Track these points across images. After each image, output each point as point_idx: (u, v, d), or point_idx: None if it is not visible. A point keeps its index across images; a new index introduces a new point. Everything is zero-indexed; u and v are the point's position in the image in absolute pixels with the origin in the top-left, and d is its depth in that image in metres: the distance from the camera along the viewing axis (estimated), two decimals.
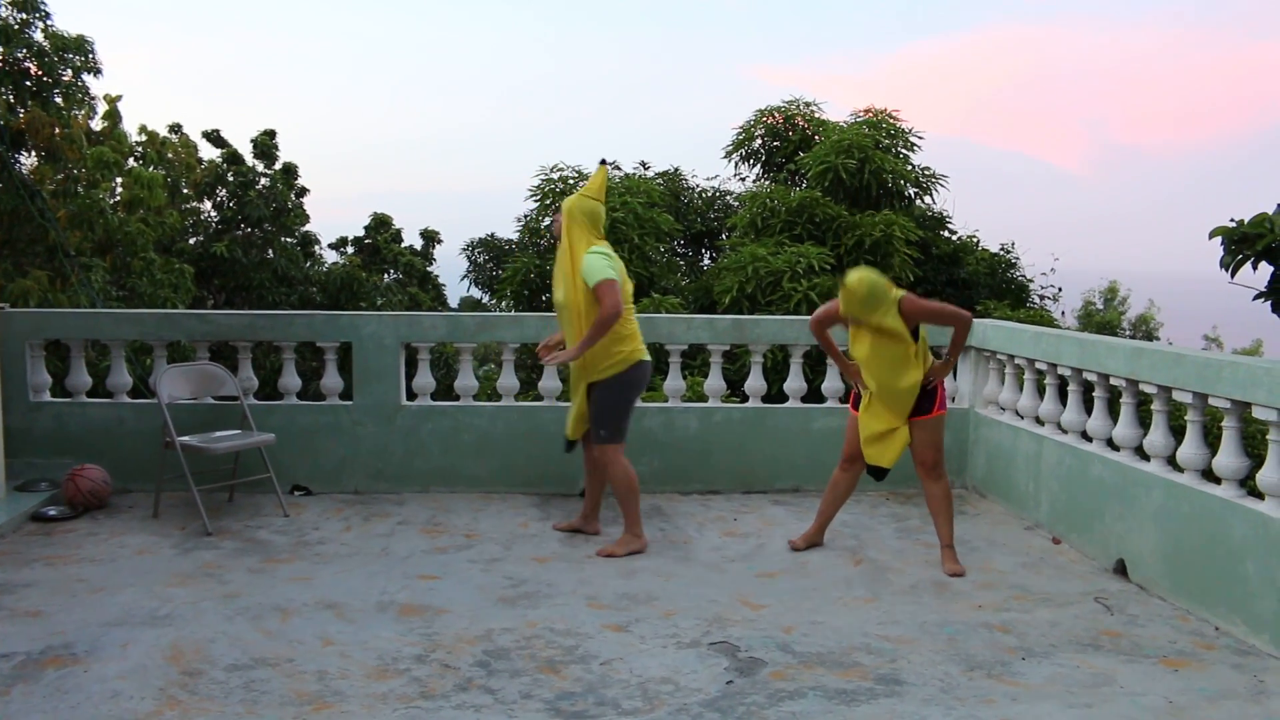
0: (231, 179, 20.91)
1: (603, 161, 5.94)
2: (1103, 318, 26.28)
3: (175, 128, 21.18)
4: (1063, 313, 16.18)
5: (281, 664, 4.13)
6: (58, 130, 13.13)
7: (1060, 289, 16.17)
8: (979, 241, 15.59)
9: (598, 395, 5.62)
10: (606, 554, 5.61)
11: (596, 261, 5.44)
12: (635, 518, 5.69)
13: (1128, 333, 26.64)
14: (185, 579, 5.15)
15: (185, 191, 21.09)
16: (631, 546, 5.65)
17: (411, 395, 7.10)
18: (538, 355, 6.01)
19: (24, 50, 12.65)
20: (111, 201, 15.31)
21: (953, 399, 7.33)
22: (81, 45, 13.12)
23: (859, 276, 5.21)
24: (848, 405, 5.80)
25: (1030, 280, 15.46)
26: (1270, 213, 5.53)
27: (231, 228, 20.88)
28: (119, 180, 15.90)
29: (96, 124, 15.72)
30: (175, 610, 4.70)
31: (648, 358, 5.66)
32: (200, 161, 21.32)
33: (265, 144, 21.50)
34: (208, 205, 21.64)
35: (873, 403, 5.51)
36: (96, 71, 13.42)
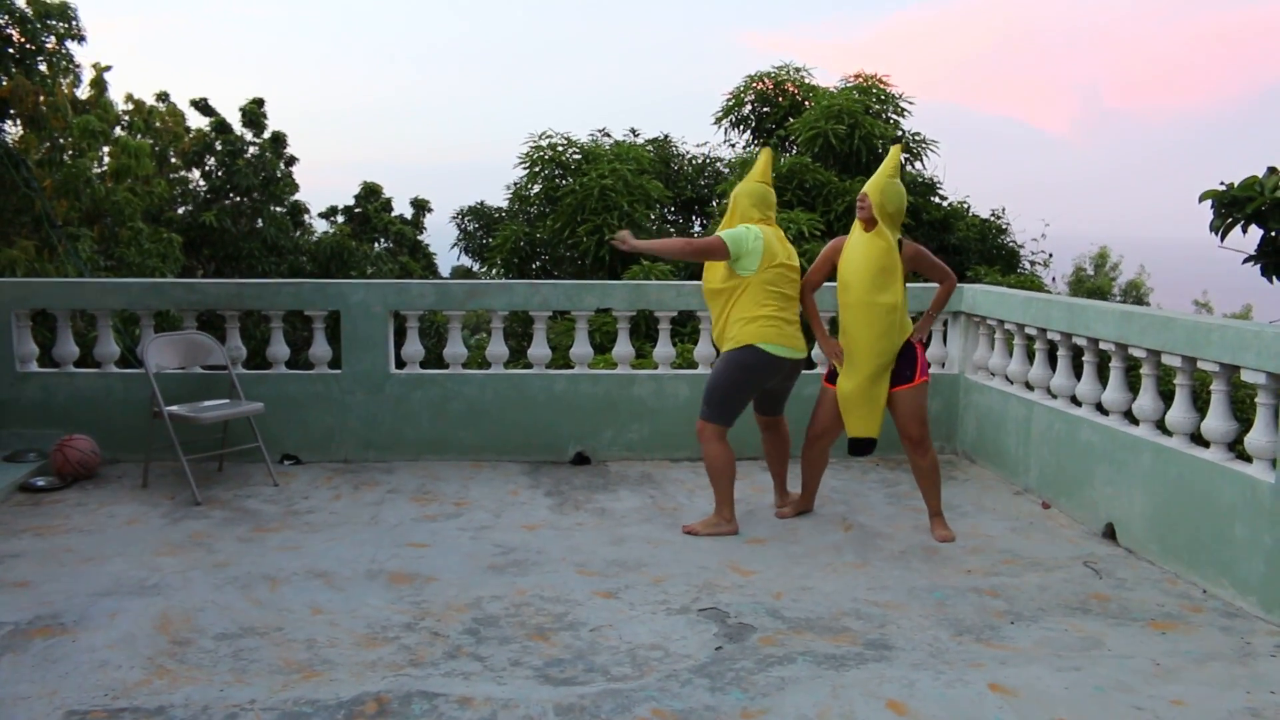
0: (220, 148, 20.73)
1: (764, 144, 5.71)
2: (1093, 284, 26.32)
3: (162, 96, 20.98)
4: (1053, 279, 16.22)
5: (270, 633, 4.13)
6: (42, 98, 12.99)
7: (1051, 255, 16.20)
8: (969, 207, 15.59)
9: (714, 366, 5.50)
10: (690, 530, 5.48)
11: (733, 229, 5.36)
12: (725, 499, 5.49)
13: (1118, 299, 26.67)
14: (174, 548, 5.14)
15: (173, 160, 20.93)
16: (718, 529, 5.46)
17: (401, 364, 7.09)
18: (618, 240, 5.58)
19: (5, 16, 12.48)
20: (98, 171, 15.19)
21: (942, 364, 7.33)
22: (64, 11, 12.96)
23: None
24: (824, 380, 5.68)
25: (1021, 246, 15.47)
26: (1260, 176, 5.51)
27: (220, 197, 20.72)
28: (106, 149, 15.77)
29: (82, 92, 15.56)
30: (164, 580, 4.69)
31: (771, 349, 5.30)
32: (188, 130, 21.14)
33: (254, 112, 21.30)
34: (196, 174, 21.47)
35: (850, 358, 5.39)
36: (80, 38, 13.26)
